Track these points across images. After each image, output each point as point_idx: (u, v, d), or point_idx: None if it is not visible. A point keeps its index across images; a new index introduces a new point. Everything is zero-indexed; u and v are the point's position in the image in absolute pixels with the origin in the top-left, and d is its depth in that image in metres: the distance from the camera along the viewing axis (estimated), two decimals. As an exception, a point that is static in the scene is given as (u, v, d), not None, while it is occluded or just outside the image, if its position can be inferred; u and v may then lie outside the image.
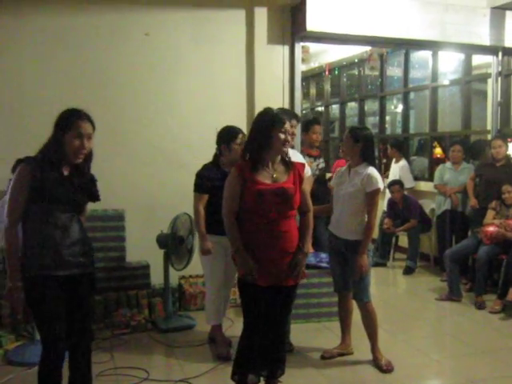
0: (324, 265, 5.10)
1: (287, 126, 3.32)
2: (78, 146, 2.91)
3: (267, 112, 3.37)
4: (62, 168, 2.95)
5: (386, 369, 4.07)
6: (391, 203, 7.47)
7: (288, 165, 3.40)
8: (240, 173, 3.28)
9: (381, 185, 4.00)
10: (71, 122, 2.91)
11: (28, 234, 2.91)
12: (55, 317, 2.95)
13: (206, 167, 4.37)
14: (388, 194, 7.51)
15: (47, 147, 2.93)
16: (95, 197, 3.16)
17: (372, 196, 3.97)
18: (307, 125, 5.65)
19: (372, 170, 3.99)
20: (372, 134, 4.18)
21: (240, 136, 4.29)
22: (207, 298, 4.51)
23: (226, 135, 4.33)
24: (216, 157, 4.40)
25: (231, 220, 3.32)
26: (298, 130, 4.91)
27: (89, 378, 3.21)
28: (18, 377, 3.97)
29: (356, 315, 4.36)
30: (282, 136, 3.28)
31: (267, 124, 3.28)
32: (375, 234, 7.37)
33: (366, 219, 4.02)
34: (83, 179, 3.05)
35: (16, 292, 2.88)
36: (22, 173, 2.87)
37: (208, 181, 4.27)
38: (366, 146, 4.03)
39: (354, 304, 4.31)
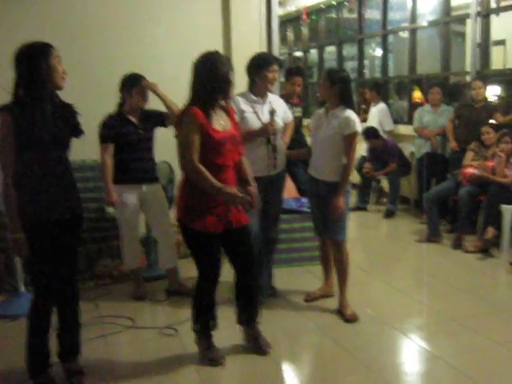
0: (305, 209, 5.11)
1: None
2: (63, 70, 2.92)
3: (217, 53, 3.26)
4: (44, 105, 2.88)
5: (349, 318, 4.04)
6: (371, 147, 7.47)
7: (226, 110, 3.36)
8: (197, 120, 3.13)
9: (359, 128, 3.97)
10: (47, 49, 2.88)
11: (19, 181, 2.88)
12: (48, 262, 2.98)
13: (108, 116, 4.36)
14: (367, 140, 7.51)
15: (27, 84, 2.84)
16: (78, 130, 3.11)
17: (350, 139, 3.94)
18: (289, 74, 5.55)
19: (350, 113, 3.94)
20: (349, 76, 4.12)
21: (141, 82, 4.32)
22: (122, 246, 4.59)
23: (127, 81, 4.35)
24: (119, 105, 4.40)
25: (199, 167, 3.12)
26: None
27: (78, 322, 3.27)
28: (4, 329, 3.98)
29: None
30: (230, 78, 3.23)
31: (226, 67, 3.21)
32: (356, 178, 7.40)
33: (344, 161, 3.99)
34: (64, 113, 3.01)
35: (19, 243, 2.88)
36: (5, 121, 2.81)
37: (111, 129, 4.29)
38: (344, 89, 3.96)
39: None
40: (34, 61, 2.83)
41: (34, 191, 2.91)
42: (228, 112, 3.38)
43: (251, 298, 3.58)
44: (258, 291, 3.66)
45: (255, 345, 3.59)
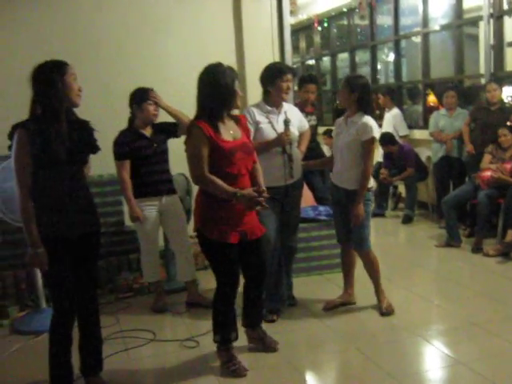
0: (323, 217, 5.12)
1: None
2: (79, 88, 2.97)
3: (219, 65, 3.30)
4: (60, 122, 2.92)
5: (384, 311, 4.18)
6: (387, 153, 7.44)
7: (235, 119, 3.41)
8: (205, 133, 3.17)
9: (376, 133, 3.99)
10: (63, 67, 2.92)
11: (35, 198, 2.90)
12: (66, 279, 3.00)
13: (121, 133, 4.36)
14: (383, 146, 7.48)
15: (43, 102, 2.88)
16: (94, 147, 3.15)
17: (367, 144, 3.96)
18: (302, 82, 5.57)
19: (367, 119, 3.96)
20: (369, 83, 4.14)
21: (151, 95, 4.32)
22: (142, 259, 4.60)
23: (137, 96, 4.35)
24: (130, 120, 4.42)
25: (210, 178, 3.18)
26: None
27: (100, 338, 3.29)
28: (27, 345, 4.00)
29: (359, 265, 4.39)
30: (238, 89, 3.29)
31: (229, 78, 3.24)
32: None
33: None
34: (80, 130, 3.04)
35: (39, 257, 2.89)
36: (21, 138, 2.84)
37: (125, 145, 4.29)
38: (363, 95, 3.98)
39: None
40: (51, 79, 2.86)
41: (49, 208, 2.93)
42: (238, 121, 3.42)
43: (258, 303, 3.66)
44: (263, 296, 3.74)
45: (263, 345, 3.67)
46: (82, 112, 3.11)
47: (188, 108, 4.69)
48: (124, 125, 4.40)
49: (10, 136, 2.90)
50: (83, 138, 3.05)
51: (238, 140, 3.31)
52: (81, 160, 3.06)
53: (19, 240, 4.38)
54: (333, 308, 4.34)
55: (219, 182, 3.17)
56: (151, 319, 4.38)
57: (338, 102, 4.02)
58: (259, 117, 3.99)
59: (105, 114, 4.83)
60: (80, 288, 3.10)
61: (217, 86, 3.20)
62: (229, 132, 3.29)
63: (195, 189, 4.88)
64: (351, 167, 4.03)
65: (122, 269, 5.14)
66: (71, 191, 2.98)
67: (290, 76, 4.05)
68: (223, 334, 3.46)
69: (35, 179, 2.89)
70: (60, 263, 2.96)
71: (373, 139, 3.98)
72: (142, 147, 4.32)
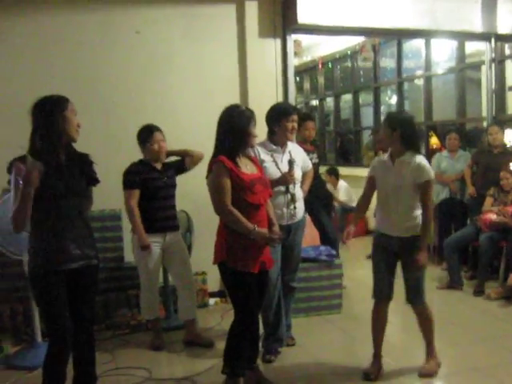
0: (323, 258, 5.09)
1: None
2: (78, 123, 3.00)
3: (236, 107, 3.50)
4: (60, 155, 2.95)
5: (425, 372, 3.84)
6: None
7: (250, 158, 3.59)
8: (226, 166, 3.32)
9: (432, 174, 3.72)
10: (64, 103, 2.97)
11: (33, 230, 2.90)
12: (63, 312, 2.97)
13: (132, 164, 4.39)
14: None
15: (43, 136, 2.90)
16: (94, 179, 3.17)
17: (426, 187, 3.64)
18: (300, 121, 5.60)
19: (421, 159, 3.66)
20: (411, 117, 3.81)
21: (155, 135, 4.34)
22: (141, 296, 4.57)
23: (141, 135, 4.39)
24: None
25: (232, 210, 3.30)
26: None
27: (94, 375, 3.24)
28: (20, 380, 3.95)
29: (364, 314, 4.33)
30: (254, 131, 3.44)
31: (245, 119, 3.41)
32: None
33: (420, 212, 3.69)
34: (80, 163, 3.07)
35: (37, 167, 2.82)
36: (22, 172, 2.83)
37: (136, 175, 4.30)
38: (405, 132, 3.64)
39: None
40: (51, 113, 2.90)
41: (48, 240, 2.93)
42: (251, 159, 3.59)
43: (253, 340, 3.62)
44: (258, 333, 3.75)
45: None
46: (83, 147, 3.14)
47: (192, 145, 4.76)
48: (125, 160, 4.41)
49: (9, 170, 2.91)
50: (83, 171, 3.07)
51: (255, 174, 3.48)
52: (80, 193, 3.06)
53: (16, 273, 4.39)
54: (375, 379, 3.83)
55: (240, 215, 3.30)
56: (148, 357, 4.32)
57: (376, 143, 3.82)
58: (264, 155, 4.00)
59: (107, 149, 4.86)
60: (77, 323, 3.06)
61: (233, 127, 3.38)
62: (246, 167, 3.45)
63: (196, 226, 4.94)
64: (407, 212, 3.69)
65: (120, 305, 5.09)
66: (68, 224, 2.97)
67: (295, 116, 4.11)
68: (234, 366, 3.48)
69: (34, 211, 2.88)
70: (57, 296, 2.93)
71: (431, 181, 3.68)
72: (152, 179, 4.32)
